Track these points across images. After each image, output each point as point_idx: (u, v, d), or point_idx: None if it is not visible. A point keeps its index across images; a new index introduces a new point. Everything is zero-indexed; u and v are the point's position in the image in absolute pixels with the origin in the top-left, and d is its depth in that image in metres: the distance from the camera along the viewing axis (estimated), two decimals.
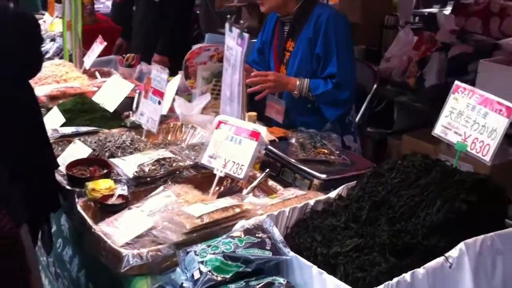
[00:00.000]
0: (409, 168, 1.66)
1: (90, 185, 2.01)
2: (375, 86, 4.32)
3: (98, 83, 2.98)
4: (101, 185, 2.01)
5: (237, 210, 1.76)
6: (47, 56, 3.93)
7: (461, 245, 1.49)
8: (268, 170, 2.17)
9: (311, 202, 1.81)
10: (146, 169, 2.07)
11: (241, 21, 2.17)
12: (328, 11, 2.67)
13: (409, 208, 1.57)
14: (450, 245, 1.50)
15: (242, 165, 1.93)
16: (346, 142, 2.75)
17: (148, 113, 2.40)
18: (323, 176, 2.08)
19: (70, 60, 3.52)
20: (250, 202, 1.86)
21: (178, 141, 2.63)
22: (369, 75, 4.39)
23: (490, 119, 1.66)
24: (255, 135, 1.94)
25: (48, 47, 4.01)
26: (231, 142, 1.99)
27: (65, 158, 2.22)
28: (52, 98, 2.82)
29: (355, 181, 1.86)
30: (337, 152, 2.23)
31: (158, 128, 2.39)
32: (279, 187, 2.12)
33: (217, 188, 2.09)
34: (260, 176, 2.18)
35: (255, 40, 2.90)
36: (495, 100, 1.66)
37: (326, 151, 2.22)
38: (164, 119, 2.72)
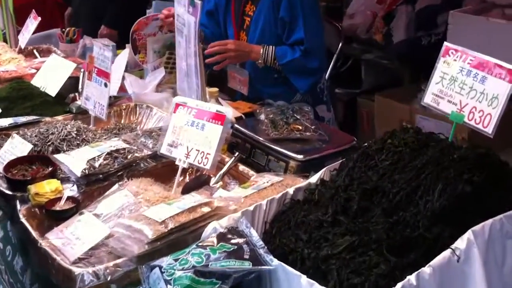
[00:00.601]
0: (401, 148, 1.44)
1: (33, 188, 1.73)
2: (340, 45, 4.08)
3: (36, 64, 2.64)
4: (46, 188, 1.74)
5: (207, 209, 1.52)
6: None
7: (469, 233, 1.29)
8: (237, 153, 1.92)
9: (290, 191, 1.58)
10: (97, 165, 1.79)
11: None
12: None
13: (406, 195, 1.35)
14: (455, 235, 1.31)
15: (208, 153, 1.68)
16: (319, 113, 2.51)
17: (94, 97, 2.11)
18: (300, 156, 1.85)
19: (5, 40, 3.14)
20: (221, 196, 1.62)
21: (133, 124, 2.35)
22: (333, 34, 4.13)
23: (490, 84, 1.44)
24: (219, 118, 1.68)
25: None
26: (193, 127, 1.73)
27: (2, 157, 1.92)
28: None
29: (338, 162, 1.64)
30: (313, 127, 1.99)
31: (107, 113, 2.10)
32: (251, 172, 1.88)
33: (181, 179, 1.84)
34: (229, 161, 1.94)
35: None
36: (494, 63, 1.44)
37: (300, 127, 1.98)
38: (114, 100, 2.43)
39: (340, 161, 1.64)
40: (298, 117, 2.04)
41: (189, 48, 1.90)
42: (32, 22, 2.84)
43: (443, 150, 1.42)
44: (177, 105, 1.78)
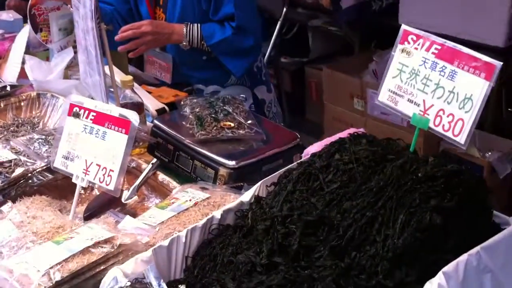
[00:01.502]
0: (352, 164, 1.13)
1: None
2: (284, 10, 3.71)
3: None
4: None
5: (107, 249, 1.17)
6: None
7: (439, 276, 1.01)
8: (156, 161, 1.57)
9: (217, 215, 1.26)
10: None
11: None
12: None
13: (359, 230, 1.05)
14: (422, 277, 1.02)
15: (111, 169, 1.32)
16: (259, 95, 2.18)
17: None
18: (232, 163, 1.52)
19: None
20: (128, 225, 1.27)
21: (35, 118, 1.97)
22: None
23: (461, 81, 1.13)
24: (123, 124, 1.31)
25: None
26: (91, 135, 1.36)
27: None
28: None
29: (276, 174, 1.32)
30: (248, 122, 1.66)
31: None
32: (173, 183, 1.54)
33: (84, 194, 1.49)
34: (146, 169, 1.59)
35: None
36: (467, 54, 1.12)
37: (232, 123, 1.64)
38: (12, 90, 2.02)
39: (278, 172, 1.32)
40: (230, 110, 1.70)
41: (87, 33, 1.50)
42: None
43: (405, 166, 1.12)
44: (72, 106, 1.41)
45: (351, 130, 1.48)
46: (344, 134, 1.46)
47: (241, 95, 1.83)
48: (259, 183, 1.33)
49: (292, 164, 1.35)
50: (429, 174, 1.09)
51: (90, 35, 1.51)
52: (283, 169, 1.33)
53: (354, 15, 3.40)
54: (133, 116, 1.29)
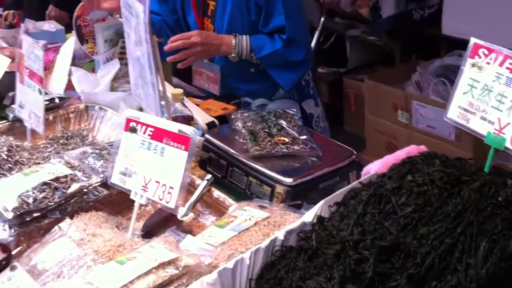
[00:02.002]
0: (426, 187, 1.08)
1: None
2: (322, 19, 3.67)
3: None
4: None
5: (171, 270, 1.14)
6: None
7: None
8: (211, 177, 1.54)
9: (280, 235, 1.22)
10: (31, 200, 1.40)
11: None
12: None
13: (438, 257, 1.00)
14: None
15: (171, 187, 1.29)
16: (307, 109, 2.14)
17: (29, 105, 1.69)
18: (289, 180, 1.49)
19: None
20: (191, 245, 1.24)
21: (84, 131, 1.96)
22: (314, 7, 3.71)
23: None
24: (182, 141, 1.29)
25: None
26: (149, 151, 1.34)
27: None
28: None
29: (337, 193, 1.28)
30: (302, 138, 1.62)
31: (44, 127, 1.69)
32: (229, 201, 1.51)
33: (139, 210, 1.46)
34: (200, 185, 1.56)
35: None
36: None
37: (286, 139, 1.61)
38: (61, 102, 2.02)
39: (341, 192, 1.28)
40: (284, 124, 1.67)
41: (140, 45, 1.49)
42: None
43: (483, 189, 1.07)
44: (128, 120, 1.39)
45: (412, 148, 1.44)
46: (405, 152, 1.42)
47: (292, 109, 1.79)
48: (321, 202, 1.29)
49: (354, 183, 1.31)
50: (510, 198, 1.04)
51: (143, 47, 1.49)
52: (346, 188, 1.29)
53: (394, 25, 3.35)
54: (192, 132, 1.26)
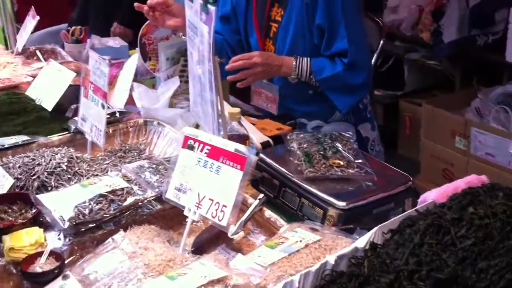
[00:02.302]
0: (488, 220, 1.04)
1: (8, 241, 1.40)
2: (381, 42, 3.64)
3: (33, 70, 2.29)
4: (24, 240, 1.40)
5: None
6: None
7: None
8: (263, 196, 1.54)
9: (331, 260, 1.20)
10: (87, 211, 1.44)
11: None
12: None
13: None
14: None
15: (224, 205, 1.30)
16: (363, 133, 2.11)
17: (91, 119, 1.75)
18: (342, 203, 1.47)
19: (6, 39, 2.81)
20: (241, 264, 1.24)
21: (141, 145, 2.00)
22: (373, 30, 3.68)
23: None
24: (239, 160, 1.29)
25: None
26: (205, 169, 1.35)
27: None
28: None
29: (392, 220, 1.25)
30: (358, 161, 1.60)
31: (104, 140, 1.74)
32: (280, 221, 1.50)
33: (190, 225, 1.47)
34: (252, 204, 1.56)
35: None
36: None
37: (341, 162, 1.59)
38: (121, 116, 2.07)
39: (397, 218, 1.25)
40: (339, 147, 1.66)
41: (202, 64, 1.51)
42: (30, 21, 2.49)
43: None
44: (186, 138, 1.41)
45: (473, 178, 1.40)
46: (465, 182, 1.37)
47: (348, 132, 1.78)
48: (375, 229, 1.26)
49: (411, 211, 1.28)
50: None
51: (205, 66, 1.51)
52: (402, 216, 1.27)
53: (456, 50, 3.28)
54: (249, 152, 1.27)
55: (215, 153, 1.34)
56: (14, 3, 3.01)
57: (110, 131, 2.01)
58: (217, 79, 1.58)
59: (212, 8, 1.38)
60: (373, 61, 3.64)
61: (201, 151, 1.37)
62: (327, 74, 1.92)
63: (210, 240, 1.47)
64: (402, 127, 3.80)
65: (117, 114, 2.05)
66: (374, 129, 2.18)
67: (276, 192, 1.63)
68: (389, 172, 1.63)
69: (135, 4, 2.06)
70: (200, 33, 1.52)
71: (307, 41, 1.98)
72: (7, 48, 2.70)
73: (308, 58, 1.95)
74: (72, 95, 2.14)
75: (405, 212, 1.29)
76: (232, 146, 1.32)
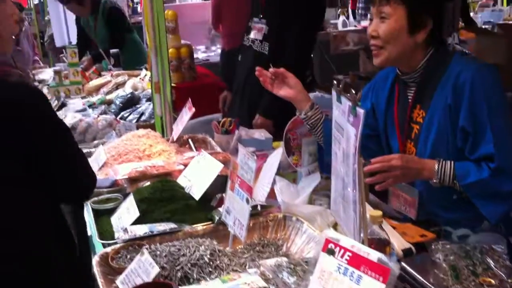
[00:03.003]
0: None
1: None
2: None
3: (185, 159, 2.46)
4: None
5: None
6: (142, 118, 3.55)
7: None
8: None
9: None
10: None
11: (353, 90, 1.50)
12: (470, 66, 1.93)
13: None
14: None
15: None
16: None
17: (234, 212, 1.82)
18: None
19: (163, 127, 3.07)
20: None
21: (279, 240, 2.02)
22: None
23: None
24: (382, 271, 1.25)
25: (144, 108, 3.63)
26: (345, 277, 1.32)
27: (128, 277, 1.69)
28: (132, 180, 2.34)
29: None
30: (510, 281, 1.47)
31: (246, 233, 1.78)
32: None
33: None
34: None
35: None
36: None
37: (492, 281, 1.48)
38: (262, 210, 2.12)
39: None
40: (490, 263, 1.54)
41: (347, 165, 1.52)
42: (186, 113, 2.71)
43: None
44: (327, 241, 1.40)
45: None
46: None
47: (500, 246, 1.65)
48: None
49: None
50: None
51: (350, 170, 1.52)
52: None
53: None
54: (393, 264, 1.22)
55: (357, 261, 1.31)
56: (173, 93, 3.29)
57: (251, 224, 2.05)
58: (361, 182, 1.57)
59: (361, 111, 1.40)
60: None
61: (342, 257, 1.35)
62: (471, 179, 1.83)
63: None
64: None
65: (259, 208, 2.11)
66: None
67: None
68: None
69: (257, 67, 2.22)
70: (346, 135, 1.54)
71: (450, 144, 1.92)
72: (163, 136, 2.94)
73: (452, 162, 1.88)
74: (218, 185, 2.26)
75: None
76: (375, 255, 1.28)
